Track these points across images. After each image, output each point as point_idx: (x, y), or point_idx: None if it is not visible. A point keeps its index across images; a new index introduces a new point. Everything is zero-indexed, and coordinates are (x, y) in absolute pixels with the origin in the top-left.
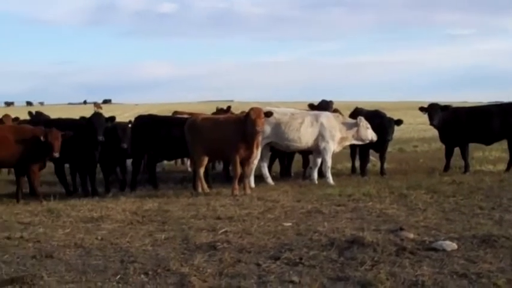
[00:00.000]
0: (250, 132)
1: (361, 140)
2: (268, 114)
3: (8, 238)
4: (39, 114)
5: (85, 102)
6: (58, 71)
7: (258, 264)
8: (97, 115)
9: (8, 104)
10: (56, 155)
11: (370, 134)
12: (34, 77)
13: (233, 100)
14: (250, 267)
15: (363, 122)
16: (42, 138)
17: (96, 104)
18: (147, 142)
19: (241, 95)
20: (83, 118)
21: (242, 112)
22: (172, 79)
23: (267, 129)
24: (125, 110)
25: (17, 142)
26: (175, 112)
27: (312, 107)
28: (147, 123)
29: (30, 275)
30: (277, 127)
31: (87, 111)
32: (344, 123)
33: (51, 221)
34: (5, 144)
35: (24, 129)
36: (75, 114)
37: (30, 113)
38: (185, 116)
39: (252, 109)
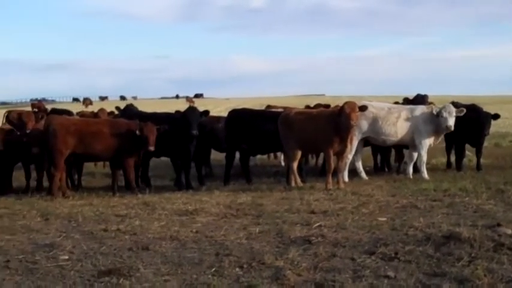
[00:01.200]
0: (345, 126)
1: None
2: (363, 108)
3: (105, 230)
4: (130, 107)
5: (177, 97)
6: (151, 65)
7: (353, 259)
8: (191, 109)
9: (102, 98)
10: (152, 148)
11: (444, 122)
12: (128, 71)
13: (325, 94)
14: (345, 262)
15: (443, 111)
16: (137, 132)
17: (188, 99)
18: (241, 136)
19: (333, 90)
20: (177, 112)
21: (336, 106)
22: (263, 74)
23: (364, 123)
24: (216, 104)
25: (113, 136)
26: (268, 106)
27: (407, 101)
28: (241, 117)
29: (127, 266)
30: (374, 122)
31: (180, 106)
32: (432, 116)
33: (146, 214)
34: (100, 138)
35: (119, 123)
36: (168, 108)
37: (117, 108)
38: (278, 110)
39: (346, 103)
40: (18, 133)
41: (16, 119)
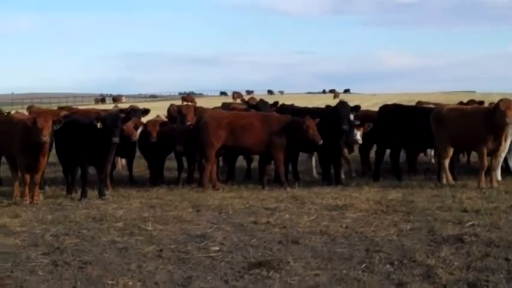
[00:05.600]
0: (499, 123)
1: None
2: None
3: (255, 223)
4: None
5: (324, 92)
6: (298, 60)
7: (507, 259)
8: (342, 104)
9: (249, 92)
10: (321, 141)
11: None
12: (275, 66)
13: (475, 91)
14: (499, 262)
15: None
16: (304, 127)
17: (335, 93)
18: (392, 131)
19: (483, 86)
20: (328, 107)
21: (491, 103)
22: (411, 69)
23: None
24: (363, 99)
25: (264, 129)
26: (419, 102)
27: None
28: (392, 112)
29: (277, 259)
30: None
31: (327, 100)
32: None
33: (296, 208)
34: (252, 132)
35: (271, 117)
36: (314, 103)
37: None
38: (430, 106)
39: (501, 100)
40: (175, 126)
41: (176, 112)
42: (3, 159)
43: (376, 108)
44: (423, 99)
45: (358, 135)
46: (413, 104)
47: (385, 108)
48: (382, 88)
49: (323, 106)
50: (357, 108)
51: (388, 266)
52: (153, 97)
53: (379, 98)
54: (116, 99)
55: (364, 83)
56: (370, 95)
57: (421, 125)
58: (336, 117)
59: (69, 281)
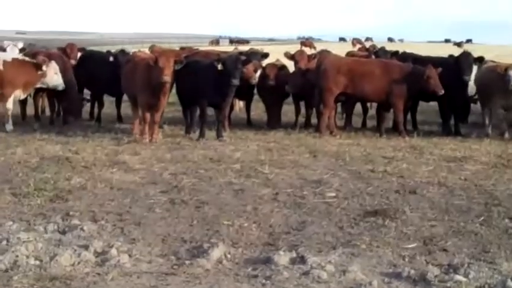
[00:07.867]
0: None
1: None
2: None
3: (372, 171)
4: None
5: (446, 41)
6: (419, 8)
7: None
8: (465, 54)
9: (368, 39)
10: (442, 91)
11: None
12: (396, 13)
13: None
14: None
15: None
16: (425, 76)
17: (458, 43)
18: None
19: None
20: (451, 56)
21: None
22: None
23: None
24: (486, 50)
25: (384, 77)
26: None
27: None
28: None
29: (393, 208)
30: None
31: (448, 50)
32: None
33: (414, 157)
34: (372, 79)
35: (392, 65)
36: (436, 52)
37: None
38: None
39: None
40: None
41: (290, 57)
42: (125, 97)
43: (499, 60)
44: None
45: None
46: None
47: None
48: (507, 39)
49: (445, 56)
50: (480, 59)
51: (507, 220)
52: (271, 40)
53: (502, 49)
54: (237, 41)
55: (489, 33)
56: (494, 46)
57: None
58: (458, 68)
59: (186, 219)
